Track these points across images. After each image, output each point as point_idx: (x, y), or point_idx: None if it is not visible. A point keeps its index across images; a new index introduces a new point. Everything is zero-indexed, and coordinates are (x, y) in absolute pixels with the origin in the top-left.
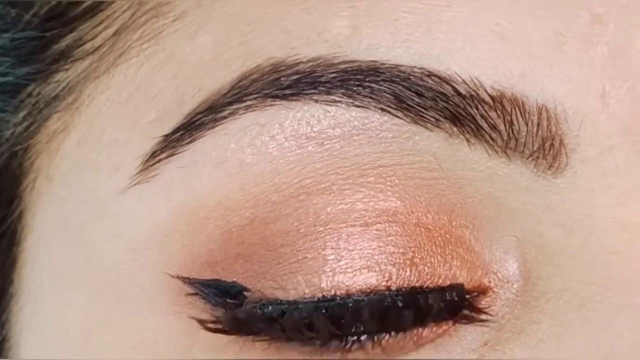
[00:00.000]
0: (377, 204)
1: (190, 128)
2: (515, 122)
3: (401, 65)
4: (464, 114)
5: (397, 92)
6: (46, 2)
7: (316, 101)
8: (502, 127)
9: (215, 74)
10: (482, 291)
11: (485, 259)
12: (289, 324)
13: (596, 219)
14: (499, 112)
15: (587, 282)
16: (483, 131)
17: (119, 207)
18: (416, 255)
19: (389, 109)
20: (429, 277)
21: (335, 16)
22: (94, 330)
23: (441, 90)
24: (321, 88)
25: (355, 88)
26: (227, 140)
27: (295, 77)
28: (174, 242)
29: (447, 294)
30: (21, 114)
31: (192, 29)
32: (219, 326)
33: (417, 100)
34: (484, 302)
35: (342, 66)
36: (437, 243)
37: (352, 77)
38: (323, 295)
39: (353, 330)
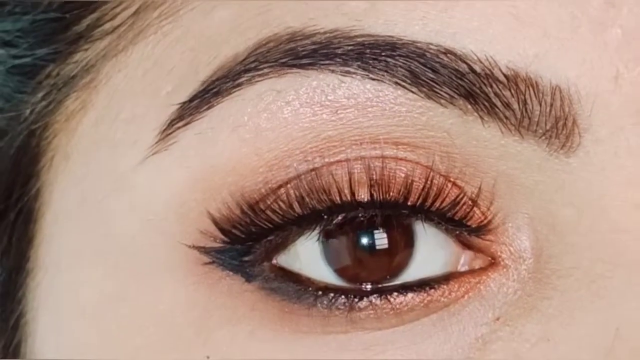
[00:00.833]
0: (392, 171)
1: (207, 95)
2: (528, 101)
3: (418, 42)
4: (478, 91)
5: (412, 67)
6: None
7: (332, 71)
8: (515, 106)
9: (231, 43)
10: (494, 264)
11: (497, 225)
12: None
13: (607, 198)
14: (513, 91)
15: (597, 260)
16: (497, 109)
17: (137, 180)
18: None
19: (403, 83)
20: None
21: None
22: (111, 304)
23: (456, 67)
24: (337, 59)
25: (371, 61)
26: (244, 105)
27: (312, 47)
28: (190, 210)
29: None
30: (40, 94)
31: (209, 5)
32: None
33: (432, 76)
34: (495, 277)
35: (359, 39)
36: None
37: (368, 50)
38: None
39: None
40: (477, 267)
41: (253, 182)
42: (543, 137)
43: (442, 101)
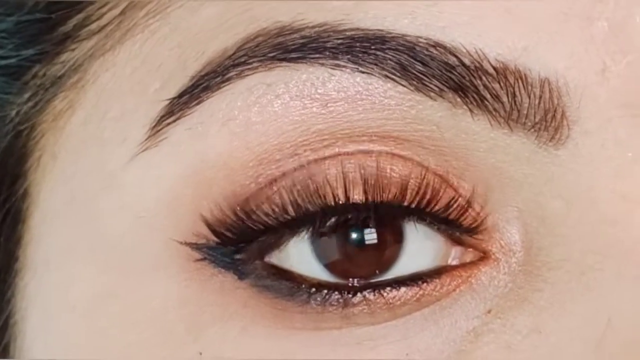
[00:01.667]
0: (386, 171)
1: (196, 90)
2: (517, 93)
3: (407, 35)
4: (467, 84)
5: (402, 60)
6: None
7: (322, 65)
8: (505, 99)
9: (219, 38)
10: (485, 258)
11: (488, 224)
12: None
13: (596, 190)
14: (502, 84)
15: (587, 251)
16: (486, 102)
17: (127, 177)
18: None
19: (393, 76)
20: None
21: None
22: (102, 301)
23: (446, 60)
24: (327, 53)
25: (360, 54)
26: (234, 99)
27: (301, 41)
28: (181, 206)
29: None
30: (26, 95)
31: (197, 2)
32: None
33: (422, 69)
34: (485, 270)
35: (348, 33)
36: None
37: (358, 43)
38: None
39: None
40: (467, 260)
41: (244, 176)
42: (532, 130)
43: (432, 94)
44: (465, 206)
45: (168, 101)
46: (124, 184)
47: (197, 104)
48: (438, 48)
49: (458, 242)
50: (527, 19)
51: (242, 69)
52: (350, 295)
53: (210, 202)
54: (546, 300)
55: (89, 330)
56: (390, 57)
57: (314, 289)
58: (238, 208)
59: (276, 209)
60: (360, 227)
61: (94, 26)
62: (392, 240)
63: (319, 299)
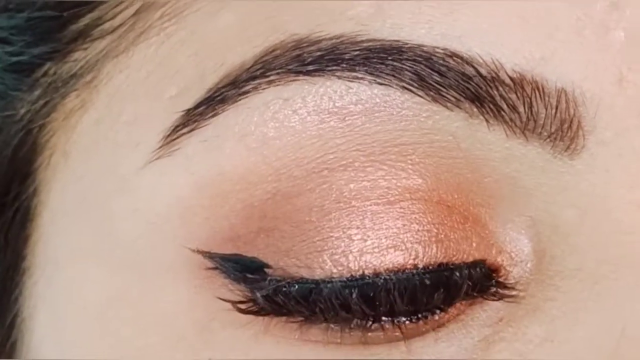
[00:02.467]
0: (399, 182)
1: (212, 102)
2: (534, 104)
3: (424, 45)
4: (484, 94)
5: (419, 71)
6: None
7: (339, 77)
8: (521, 109)
9: (237, 49)
10: (495, 270)
11: (499, 238)
12: (323, 304)
13: (611, 199)
14: (518, 94)
15: (601, 261)
16: (503, 112)
17: (140, 182)
18: (440, 231)
19: (410, 87)
20: (454, 253)
21: None
22: (112, 304)
23: (463, 70)
24: (344, 65)
25: (377, 66)
26: (250, 114)
27: (318, 53)
28: (194, 215)
29: (473, 270)
30: (37, 92)
31: (214, 7)
32: (251, 307)
33: (439, 79)
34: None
35: (365, 44)
36: (458, 220)
37: (375, 55)
38: (352, 275)
39: (387, 309)
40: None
41: (262, 191)
42: (548, 140)
43: (449, 104)
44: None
45: (184, 112)
46: (137, 189)
47: (213, 116)
48: (455, 58)
49: None
50: (543, 28)
51: (260, 82)
52: (369, 324)
53: (226, 214)
54: (559, 309)
55: (100, 332)
56: (408, 67)
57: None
58: (253, 224)
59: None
60: None
61: (107, 26)
62: None
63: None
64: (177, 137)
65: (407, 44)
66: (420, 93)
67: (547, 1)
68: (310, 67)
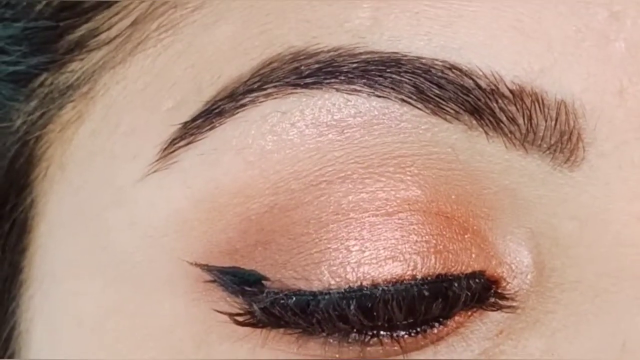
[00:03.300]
0: (397, 193)
1: (210, 115)
2: (534, 116)
3: (423, 58)
4: (483, 107)
5: (417, 83)
6: None
7: (337, 90)
8: (521, 121)
9: (234, 62)
10: (495, 281)
11: (499, 249)
12: (320, 315)
13: (612, 212)
14: (518, 106)
15: (602, 273)
16: (502, 124)
17: (137, 195)
18: (439, 243)
19: (409, 99)
20: (453, 264)
21: (357, 7)
22: (109, 317)
23: (462, 83)
24: (342, 77)
25: (376, 78)
26: (247, 127)
27: (316, 66)
28: (192, 229)
29: (472, 281)
30: (33, 103)
31: (210, 19)
32: (249, 319)
33: (438, 92)
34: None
35: (363, 56)
36: (457, 231)
37: (373, 67)
38: (350, 287)
39: (385, 321)
40: (478, 287)
41: (259, 204)
42: (547, 152)
43: (448, 117)
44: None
45: (181, 125)
46: (133, 202)
47: (210, 129)
48: (454, 70)
49: None
50: (542, 39)
51: (257, 95)
52: (367, 338)
53: (223, 228)
54: (559, 322)
55: (96, 346)
56: (407, 80)
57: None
58: (250, 237)
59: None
60: None
61: (103, 36)
62: None
63: (336, 335)
64: (175, 150)
65: (405, 56)
66: (419, 105)
67: (546, 13)
68: (308, 80)
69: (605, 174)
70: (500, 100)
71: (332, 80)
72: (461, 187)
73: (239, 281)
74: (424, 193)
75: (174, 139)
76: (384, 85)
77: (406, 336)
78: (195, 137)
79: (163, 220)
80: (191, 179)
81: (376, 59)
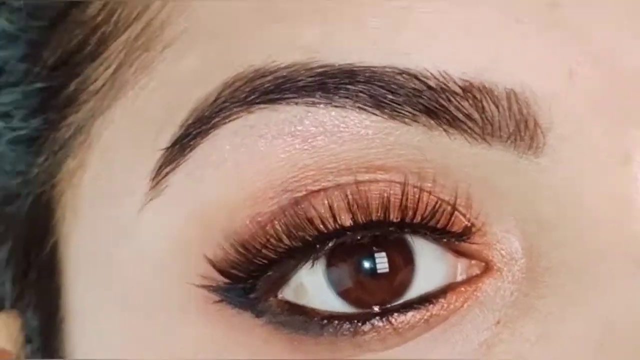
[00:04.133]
0: (373, 185)
1: (187, 138)
2: (487, 108)
3: (374, 67)
4: (437, 106)
5: (372, 91)
6: (52, 54)
7: (296, 103)
8: (476, 115)
9: (201, 86)
10: (489, 269)
11: (488, 237)
12: None
13: (583, 192)
14: (470, 102)
15: (582, 254)
16: (459, 121)
17: (139, 227)
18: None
19: (365, 107)
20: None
21: (307, 24)
22: (134, 348)
23: (413, 86)
24: (301, 92)
25: (332, 90)
26: (222, 144)
27: (276, 82)
28: (190, 250)
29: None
30: (41, 158)
31: (178, 54)
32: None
33: (392, 97)
34: (490, 281)
35: (318, 70)
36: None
37: (328, 79)
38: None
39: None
40: (473, 274)
41: (242, 215)
42: (509, 141)
43: (406, 120)
44: (451, 209)
45: (163, 151)
46: (137, 234)
47: (190, 150)
48: (404, 75)
49: (460, 253)
50: (485, 34)
51: (225, 114)
52: (360, 324)
53: (214, 243)
54: (550, 306)
55: None
56: (361, 89)
57: (325, 321)
58: (239, 245)
59: (273, 241)
60: (369, 254)
61: (91, 88)
62: (402, 265)
63: (331, 329)
64: (164, 176)
65: (358, 66)
66: (376, 112)
67: (485, 8)
68: (270, 96)
69: (569, 156)
70: (452, 98)
71: (291, 95)
72: (436, 182)
73: (243, 293)
74: (400, 189)
75: (161, 165)
76: (339, 96)
77: (397, 314)
78: (179, 161)
79: (165, 246)
80: (182, 199)
81: (330, 71)
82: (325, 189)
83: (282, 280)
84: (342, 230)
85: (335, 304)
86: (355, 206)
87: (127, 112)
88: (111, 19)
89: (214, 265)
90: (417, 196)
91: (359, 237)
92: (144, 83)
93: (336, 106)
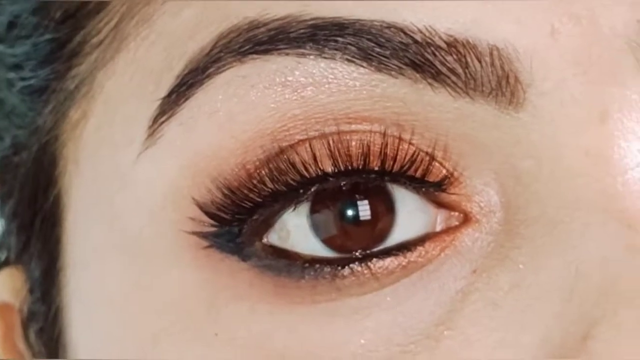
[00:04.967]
0: (349, 141)
1: (182, 88)
2: (470, 64)
3: (362, 20)
4: (422, 60)
5: (360, 44)
6: (60, 7)
7: (287, 54)
8: (460, 70)
9: (196, 38)
10: (467, 220)
11: (467, 188)
12: None
13: (560, 147)
14: (454, 56)
15: (558, 206)
16: (443, 75)
17: (136, 175)
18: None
19: (353, 59)
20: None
21: None
22: (130, 294)
23: (400, 39)
24: (292, 43)
25: (322, 41)
26: (215, 93)
27: (269, 33)
28: (183, 198)
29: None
30: (47, 109)
31: (177, 7)
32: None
33: (379, 50)
34: (468, 232)
35: (310, 22)
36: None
37: (319, 31)
38: None
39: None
40: (452, 225)
41: (233, 164)
42: (490, 96)
43: (392, 72)
44: (429, 159)
45: (159, 101)
46: (135, 182)
47: (185, 100)
48: (391, 29)
49: (440, 203)
50: None
51: (219, 65)
52: (340, 268)
53: (203, 188)
54: (525, 256)
55: (123, 323)
56: (350, 41)
57: (307, 264)
58: (225, 189)
59: (258, 184)
60: (352, 201)
61: (94, 40)
62: (384, 212)
63: (312, 273)
64: (159, 126)
65: (348, 19)
66: (363, 64)
67: None
68: (263, 47)
69: (548, 112)
70: (437, 52)
71: (283, 46)
72: (416, 133)
73: (231, 237)
74: (381, 138)
75: (157, 116)
76: (329, 48)
77: (375, 260)
78: (173, 111)
79: (160, 194)
80: (176, 149)
81: (320, 23)
82: (310, 139)
83: (267, 224)
84: (324, 175)
85: (318, 250)
86: (337, 152)
87: (128, 63)
88: None
89: (200, 207)
90: (396, 145)
91: (341, 184)
92: (144, 35)
93: (325, 58)
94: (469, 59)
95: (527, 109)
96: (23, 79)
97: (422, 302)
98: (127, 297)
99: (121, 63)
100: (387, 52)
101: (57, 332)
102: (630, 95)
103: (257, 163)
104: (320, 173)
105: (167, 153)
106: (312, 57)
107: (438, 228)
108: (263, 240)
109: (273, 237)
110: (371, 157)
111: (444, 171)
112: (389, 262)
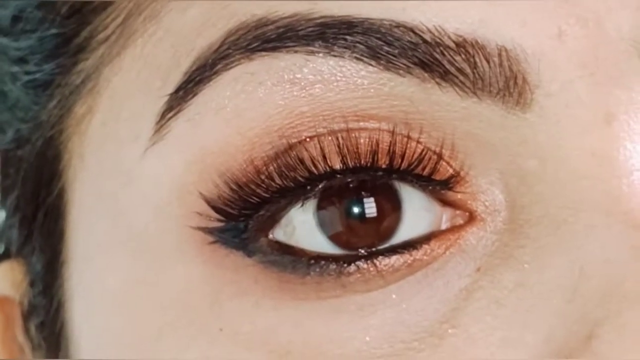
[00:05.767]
0: (364, 132)
1: (190, 85)
2: (479, 64)
3: (371, 19)
4: (431, 59)
5: (369, 42)
6: (65, 2)
7: (296, 52)
8: (468, 70)
9: (205, 35)
10: (472, 219)
11: (472, 186)
12: None
13: (566, 148)
14: (463, 56)
15: (562, 206)
16: (451, 75)
17: (142, 171)
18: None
19: (362, 58)
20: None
21: None
22: (134, 289)
23: (409, 39)
24: (301, 40)
25: (331, 39)
26: (223, 90)
27: (277, 31)
28: (189, 193)
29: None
30: (52, 103)
31: (184, 4)
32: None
33: (388, 49)
34: (473, 230)
35: (318, 20)
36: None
37: (328, 30)
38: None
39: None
40: (457, 224)
41: (240, 160)
42: (498, 96)
43: (400, 71)
44: (437, 158)
45: (167, 97)
46: (141, 177)
47: (193, 96)
48: (401, 28)
49: (445, 202)
50: None
51: (227, 61)
52: (345, 265)
53: (210, 183)
54: (529, 256)
55: (126, 318)
56: (359, 40)
57: (312, 261)
58: (233, 184)
59: (266, 180)
60: (359, 198)
61: (101, 36)
62: (390, 210)
63: (317, 269)
64: (166, 122)
65: (357, 17)
66: (372, 63)
67: None
68: (271, 44)
69: (555, 113)
70: (446, 52)
71: (292, 43)
72: (424, 132)
73: (237, 233)
74: (389, 136)
75: (164, 111)
76: (338, 46)
77: (381, 257)
78: (181, 107)
79: (166, 189)
80: (182, 144)
81: (329, 22)
82: (319, 135)
83: (273, 220)
84: (332, 172)
85: (324, 246)
86: (345, 150)
87: (135, 59)
88: None
89: (207, 202)
90: (405, 143)
91: (348, 181)
92: (152, 31)
93: (334, 56)
94: (477, 59)
95: (534, 109)
96: (27, 72)
97: (426, 299)
98: (131, 292)
99: (128, 59)
100: (396, 51)
101: (58, 326)
102: (636, 97)
103: (266, 159)
104: (328, 170)
105: (174, 149)
106: (320, 55)
107: (443, 226)
108: (269, 236)
109: (279, 233)
110: (379, 155)
111: (451, 170)
112: (395, 259)
